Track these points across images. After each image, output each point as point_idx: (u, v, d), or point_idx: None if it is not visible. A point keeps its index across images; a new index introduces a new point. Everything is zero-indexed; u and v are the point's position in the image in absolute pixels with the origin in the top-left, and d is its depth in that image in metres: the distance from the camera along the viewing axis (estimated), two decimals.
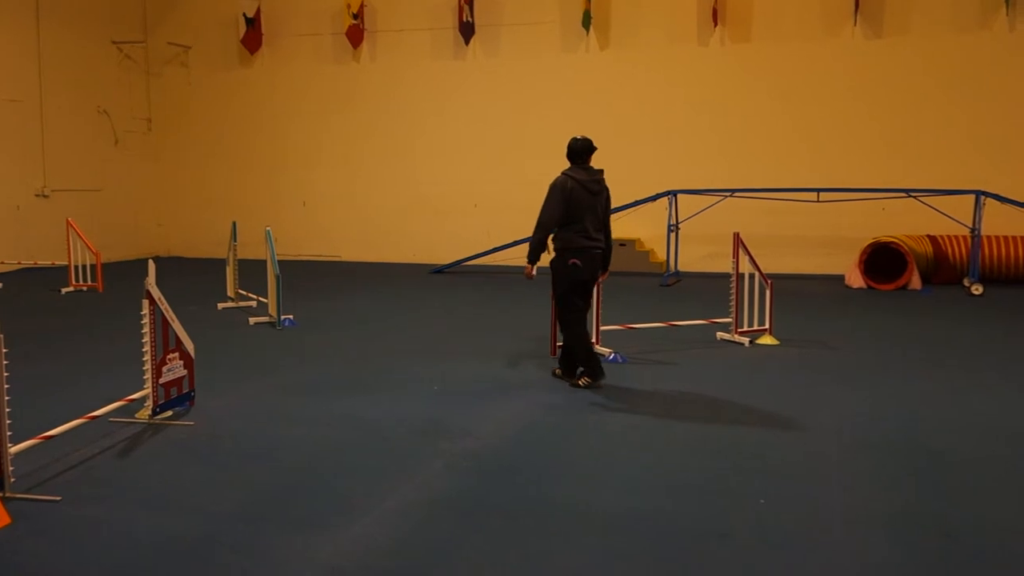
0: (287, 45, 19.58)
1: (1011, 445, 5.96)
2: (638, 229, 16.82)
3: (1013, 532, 4.49)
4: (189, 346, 6.73)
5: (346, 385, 7.72)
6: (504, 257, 16.09)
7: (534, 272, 7.78)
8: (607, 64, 17.65)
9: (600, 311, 8.95)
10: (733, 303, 9.65)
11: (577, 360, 7.70)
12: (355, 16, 18.66)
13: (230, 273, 12.26)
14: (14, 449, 4.99)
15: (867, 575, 4.04)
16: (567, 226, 7.48)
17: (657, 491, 5.10)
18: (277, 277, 10.49)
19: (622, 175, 15.85)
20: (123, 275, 15.52)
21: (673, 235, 15.70)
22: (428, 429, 6.33)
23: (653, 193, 15.59)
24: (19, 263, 16.09)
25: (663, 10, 17.26)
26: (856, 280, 14.62)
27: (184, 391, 6.73)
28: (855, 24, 16.24)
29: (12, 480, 4.93)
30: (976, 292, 13.49)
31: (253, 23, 19.35)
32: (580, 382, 7.61)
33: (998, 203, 14.06)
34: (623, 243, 16.86)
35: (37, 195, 17.51)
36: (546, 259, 7.70)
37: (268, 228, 11.22)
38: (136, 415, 6.42)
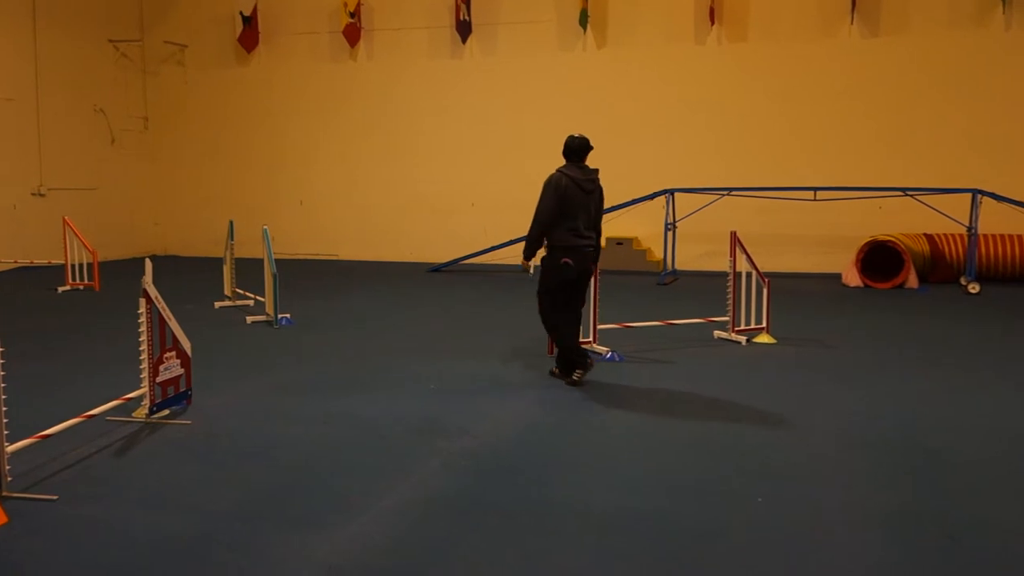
0: (284, 44, 19.56)
1: (1009, 444, 5.97)
2: (635, 228, 16.83)
3: (1012, 532, 4.49)
4: (186, 345, 6.73)
5: (343, 384, 7.72)
6: (501, 256, 16.08)
7: (531, 268, 7.79)
8: (604, 63, 17.65)
9: (597, 310, 8.95)
10: (730, 302, 9.65)
11: (564, 354, 7.74)
12: (352, 15, 18.64)
13: (227, 272, 12.25)
14: (11, 448, 4.98)
15: (866, 574, 4.04)
16: (559, 224, 7.49)
17: (655, 490, 5.10)
18: (274, 276, 10.49)
19: (619, 174, 15.89)
20: (120, 274, 15.49)
21: (670, 234, 15.70)
22: (425, 428, 6.32)
23: (650, 192, 15.59)
24: (15, 262, 16.06)
25: (660, 9, 17.26)
26: (853, 279, 14.63)
27: (181, 390, 6.73)
28: (852, 23, 16.25)
29: (9, 479, 4.92)
30: (973, 291, 13.51)
31: (250, 21, 19.32)
32: (575, 376, 7.63)
33: (995, 202, 14.07)
34: (620, 242, 16.89)
35: (33, 194, 17.48)
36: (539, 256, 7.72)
37: (265, 227, 11.21)
38: (133, 414, 6.41)
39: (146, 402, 6.36)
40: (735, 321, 9.69)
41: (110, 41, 19.37)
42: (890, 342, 9.76)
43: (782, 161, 16.53)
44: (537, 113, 17.67)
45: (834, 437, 6.14)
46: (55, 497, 4.89)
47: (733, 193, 15.39)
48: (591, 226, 7.66)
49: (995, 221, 14.55)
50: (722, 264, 10.68)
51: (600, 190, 7.75)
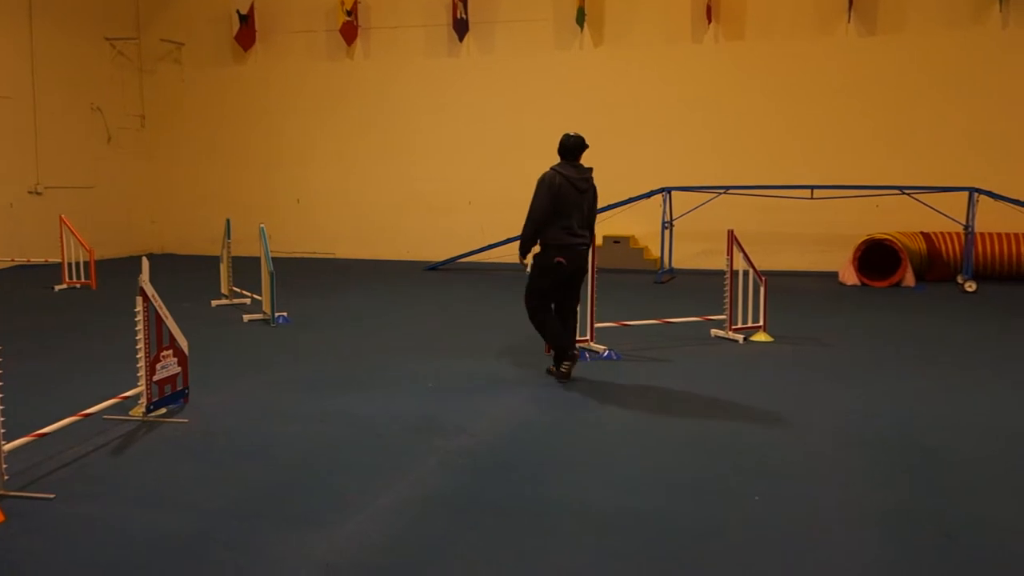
0: (281, 42, 19.54)
1: (1006, 442, 5.98)
2: (632, 226, 16.84)
3: (1010, 530, 4.49)
4: (183, 343, 6.72)
5: (340, 382, 7.71)
6: (498, 254, 16.09)
7: (530, 266, 7.81)
8: (601, 61, 17.66)
9: (594, 308, 8.95)
10: (727, 300, 9.65)
11: (551, 346, 7.79)
12: (349, 13, 18.63)
13: (224, 270, 12.24)
14: (8, 447, 4.98)
15: (864, 573, 4.04)
16: (553, 222, 7.50)
17: (653, 489, 5.10)
18: (271, 274, 10.48)
19: (616, 172, 15.91)
20: (116, 272, 15.48)
21: (667, 232, 15.71)
22: (422, 426, 6.32)
23: (647, 190, 15.60)
24: (12, 260, 16.05)
25: (657, 7, 17.27)
26: (850, 277, 14.64)
27: (178, 388, 6.72)
28: (849, 21, 16.27)
29: (6, 478, 4.92)
30: (969, 289, 13.52)
31: (246, 20, 19.31)
32: (562, 369, 7.66)
33: (991, 200, 14.09)
34: (617, 240, 16.90)
35: (30, 192, 17.46)
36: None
37: (262, 225, 11.20)
38: (130, 412, 6.40)
39: (143, 400, 6.35)
40: (732, 319, 9.70)
41: (107, 39, 19.35)
42: (887, 340, 9.77)
43: (779, 159, 16.55)
44: (534, 111, 17.67)
45: (831, 435, 6.15)
46: (52, 496, 4.89)
47: (730, 191, 15.40)
48: (585, 225, 7.67)
49: (992, 219, 14.56)
50: (719, 262, 10.68)
51: (594, 189, 7.75)
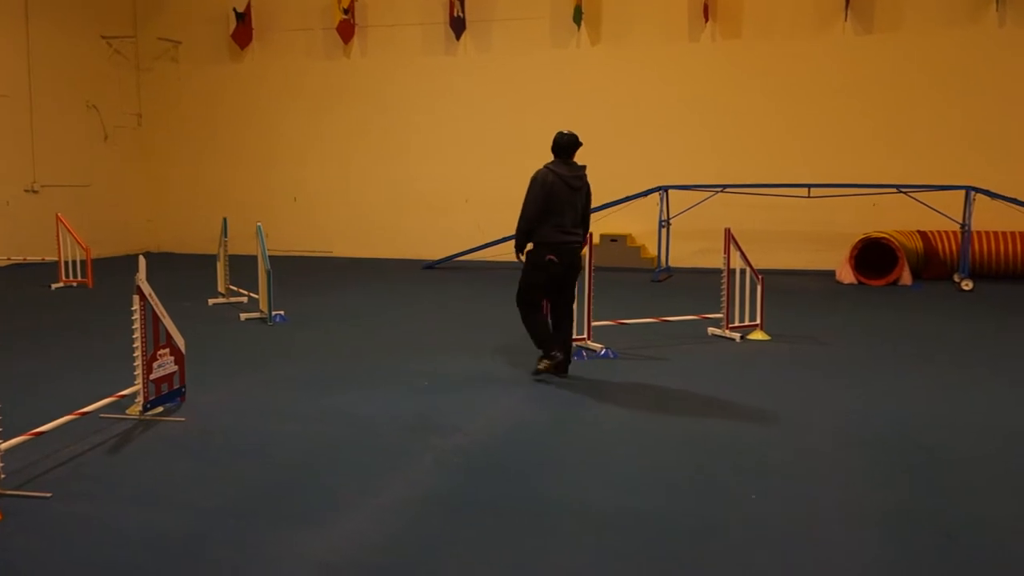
0: (277, 40, 19.52)
1: (1003, 441, 5.98)
2: (629, 225, 16.83)
3: (1010, 530, 4.49)
4: (180, 342, 6.72)
5: (337, 381, 7.71)
6: (495, 252, 16.07)
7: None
8: (598, 60, 17.65)
9: (591, 306, 8.95)
10: (724, 299, 9.66)
11: (535, 343, 7.79)
12: (346, 11, 18.62)
13: (221, 269, 12.22)
14: (4, 445, 4.96)
15: (863, 573, 4.04)
16: (545, 220, 7.50)
17: (651, 488, 5.10)
18: (268, 273, 10.47)
19: (613, 170, 15.95)
20: (113, 271, 15.47)
21: (664, 231, 15.71)
22: (419, 425, 6.32)
23: (644, 188, 15.60)
24: (8, 259, 16.03)
25: (654, 6, 17.26)
26: (847, 276, 14.65)
27: (175, 387, 6.72)
28: (846, 20, 16.27)
29: (2, 476, 4.90)
30: (966, 288, 13.54)
31: (243, 18, 19.28)
32: (539, 366, 7.67)
33: (988, 199, 14.11)
34: (614, 238, 16.90)
35: (26, 190, 17.44)
36: None
37: (259, 223, 11.18)
38: (127, 411, 6.40)
39: (140, 399, 6.34)
40: (729, 318, 9.70)
41: (103, 37, 19.31)
42: (884, 339, 9.78)
43: (776, 158, 16.55)
44: (531, 110, 17.66)
45: (829, 434, 6.15)
46: (49, 495, 4.88)
47: (727, 190, 15.40)
48: (578, 223, 7.67)
49: (988, 218, 14.58)
50: (716, 261, 10.68)
51: (587, 187, 7.75)
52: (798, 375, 8.00)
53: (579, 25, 17.47)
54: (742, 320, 9.80)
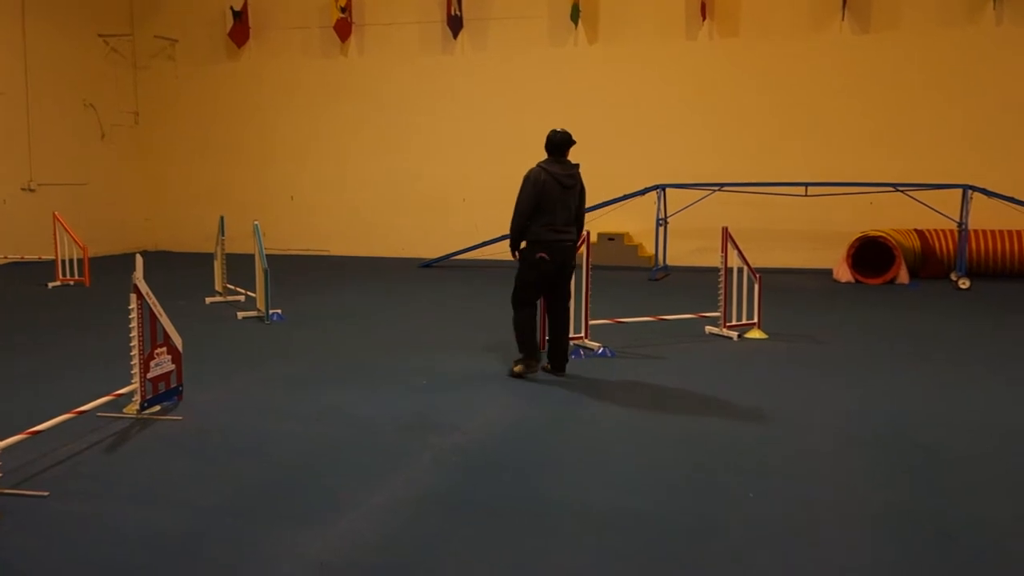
0: (275, 38, 19.50)
1: (1001, 440, 5.98)
2: (627, 223, 16.83)
3: (1007, 529, 4.50)
4: (177, 341, 6.71)
5: (335, 379, 7.70)
6: (492, 251, 16.06)
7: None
8: (595, 58, 17.64)
9: (589, 305, 8.95)
10: (722, 297, 9.66)
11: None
12: (343, 9, 18.59)
13: (218, 267, 12.22)
14: (1, 444, 4.96)
15: (862, 571, 4.04)
16: (536, 219, 7.51)
17: (649, 487, 5.10)
18: (265, 271, 10.46)
19: (611, 169, 15.95)
20: (110, 269, 15.45)
21: (662, 229, 15.71)
22: (417, 424, 6.32)
23: (642, 187, 15.60)
24: (5, 257, 16.00)
25: (652, 4, 17.25)
26: (844, 274, 14.66)
27: (172, 386, 6.71)
28: (843, 19, 16.27)
29: (0, 475, 4.91)
30: (963, 286, 13.54)
31: (240, 16, 19.25)
32: (515, 369, 7.72)
33: (985, 197, 14.12)
34: (611, 237, 16.90)
35: (23, 189, 17.40)
36: None
37: (256, 222, 11.18)
38: (124, 410, 6.39)
39: (137, 398, 6.34)
40: (727, 316, 9.70)
41: (100, 36, 19.28)
42: (881, 337, 9.79)
43: (773, 157, 16.55)
44: (528, 108, 17.64)
45: (827, 433, 6.15)
46: (46, 493, 4.88)
47: (724, 189, 15.40)
48: (571, 221, 7.67)
49: (986, 217, 14.58)
50: (713, 260, 10.68)
51: (581, 185, 7.75)
52: (796, 374, 8.01)
53: (576, 24, 17.46)
54: (739, 319, 9.80)
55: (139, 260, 6.28)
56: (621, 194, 15.40)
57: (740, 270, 9.74)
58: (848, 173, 15.63)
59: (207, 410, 6.63)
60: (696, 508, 4.76)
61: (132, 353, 6.26)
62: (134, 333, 6.19)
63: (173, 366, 6.69)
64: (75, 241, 13.86)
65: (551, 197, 7.49)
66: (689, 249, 16.65)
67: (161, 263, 17.13)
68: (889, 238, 14.41)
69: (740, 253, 9.66)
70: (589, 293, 8.89)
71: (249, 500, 4.88)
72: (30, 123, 17.52)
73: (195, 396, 6.90)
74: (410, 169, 18.79)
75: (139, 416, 6.33)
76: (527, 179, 7.55)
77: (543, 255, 7.53)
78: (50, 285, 13.73)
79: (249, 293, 11.68)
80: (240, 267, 13.21)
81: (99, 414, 6.22)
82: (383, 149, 18.97)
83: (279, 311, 10.79)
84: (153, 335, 6.38)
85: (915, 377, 7.82)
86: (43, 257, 15.07)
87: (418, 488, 5.06)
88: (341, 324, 10.68)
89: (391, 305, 12.34)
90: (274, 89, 19.57)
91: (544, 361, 8.00)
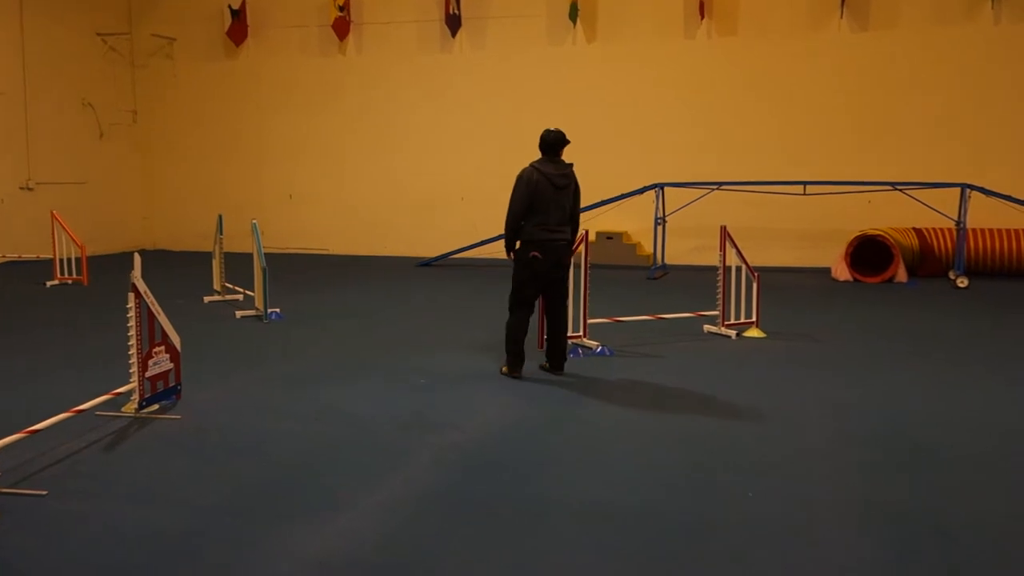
0: (273, 37, 19.48)
1: (999, 439, 5.98)
2: (625, 222, 16.83)
3: (1006, 528, 4.50)
4: (175, 339, 6.71)
5: (333, 378, 7.70)
6: (490, 250, 16.06)
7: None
8: (594, 57, 17.63)
9: (587, 304, 8.94)
10: (720, 296, 9.66)
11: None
12: (341, 8, 18.59)
13: (216, 266, 12.21)
14: (0, 443, 4.97)
15: (861, 570, 4.04)
16: (529, 218, 7.51)
17: (648, 486, 5.09)
18: (264, 270, 10.45)
19: (609, 168, 15.96)
20: (108, 268, 15.44)
21: (660, 228, 15.71)
22: (415, 423, 6.32)
23: (640, 186, 15.59)
24: (3, 256, 15.99)
25: (650, 3, 17.25)
26: (842, 273, 14.67)
27: (170, 385, 6.71)
28: (841, 17, 16.27)
29: None
30: (961, 285, 13.55)
31: (238, 15, 19.24)
32: (503, 369, 7.77)
33: (983, 196, 14.13)
34: (610, 236, 16.90)
35: (21, 188, 17.39)
36: None
37: (254, 221, 11.17)
38: (122, 409, 6.39)
39: (135, 397, 6.34)
40: (725, 315, 9.71)
41: (98, 34, 19.26)
42: (880, 336, 9.79)
43: (772, 155, 16.55)
44: (526, 107, 17.64)
45: (825, 432, 6.15)
46: (44, 492, 4.87)
47: (723, 187, 15.40)
48: (564, 221, 7.65)
49: (984, 215, 14.59)
50: (712, 258, 10.68)
51: (575, 185, 7.73)
52: (794, 372, 8.01)
53: (575, 22, 17.45)
54: (738, 317, 9.81)
55: (137, 259, 6.27)
56: (619, 193, 15.40)
57: (739, 269, 9.74)
58: (847, 172, 15.63)
59: (205, 409, 6.62)
60: (695, 507, 4.76)
61: (130, 352, 6.25)
62: (132, 332, 6.19)
63: (171, 365, 6.69)
64: (73, 240, 13.85)
65: (544, 197, 7.48)
66: (687, 248, 16.65)
67: (159, 262, 17.12)
68: (887, 237, 14.41)
69: (739, 252, 9.66)
70: (588, 292, 8.89)
71: (248, 499, 4.88)
72: (28, 122, 17.51)
73: (193, 395, 6.90)
74: (408, 168, 18.78)
75: (137, 415, 6.33)
76: (519, 179, 7.54)
77: (536, 254, 7.53)
78: (48, 284, 13.72)
79: (248, 292, 11.67)
80: (239, 266, 13.20)
81: (97, 413, 6.21)
82: (381, 148, 18.96)
83: (278, 310, 10.78)
84: (151, 334, 6.38)
85: (914, 376, 7.82)
86: (41, 256, 15.06)
87: (417, 487, 5.06)
88: (340, 323, 10.68)
89: (389, 304, 12.34)
90: (272, 88, 19.56)
91: (542, 360, 8.00)
